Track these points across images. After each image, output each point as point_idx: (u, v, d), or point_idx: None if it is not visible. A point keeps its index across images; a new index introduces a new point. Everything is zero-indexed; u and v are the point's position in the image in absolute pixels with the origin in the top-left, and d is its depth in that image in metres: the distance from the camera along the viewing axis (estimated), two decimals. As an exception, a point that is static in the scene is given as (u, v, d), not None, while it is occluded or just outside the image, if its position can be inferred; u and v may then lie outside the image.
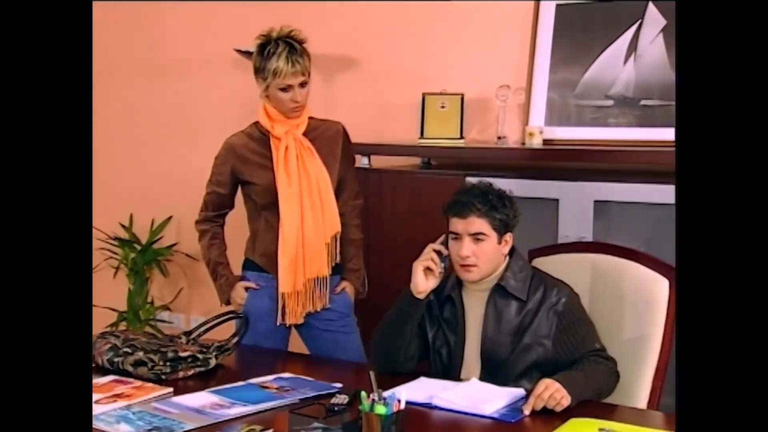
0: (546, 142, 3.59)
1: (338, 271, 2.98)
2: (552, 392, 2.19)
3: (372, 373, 1.98)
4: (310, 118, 2.97)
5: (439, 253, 2.47)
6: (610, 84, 3.57)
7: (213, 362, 2.52)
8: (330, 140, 2.97)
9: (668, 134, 3.40)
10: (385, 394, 1.94)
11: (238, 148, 2.95)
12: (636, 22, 3.53)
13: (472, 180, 2.52)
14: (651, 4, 3.51)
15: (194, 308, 4.75)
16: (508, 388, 2.33)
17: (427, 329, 2.53)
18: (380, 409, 1.90)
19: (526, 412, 2.18)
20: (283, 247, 2.87)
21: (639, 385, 2.50)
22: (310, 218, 2.87)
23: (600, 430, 2.07)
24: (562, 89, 3.67)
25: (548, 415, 2.18)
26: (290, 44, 2.86)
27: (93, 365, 2.50)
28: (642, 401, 2.48)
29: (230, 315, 2.76)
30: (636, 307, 2.55)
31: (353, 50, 4.22)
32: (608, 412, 2.24)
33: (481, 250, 2.41)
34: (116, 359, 2.47)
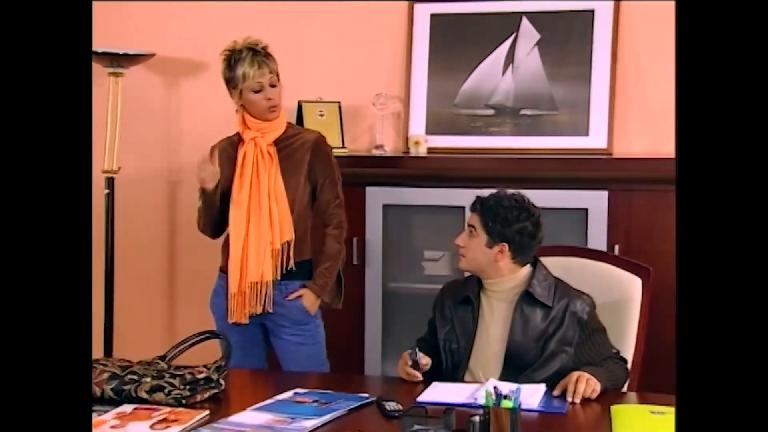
0: (429, 150, 3.91)
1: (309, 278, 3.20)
2: (586, 380, 2.51)
3: (480, 372, 2.20)
4: (289, 127, 3.21)
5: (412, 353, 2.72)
6: (489, 94, 3.96)
7: (223, 383, 2.56)
8: (296, 151, 3.18)
9: (554, 143, 3.89)
10: (506, 390, 2.17)
11: (219, 153, 3.14)
12: (511, 35, 3.94)
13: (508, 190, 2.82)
14: (524, 19, 3.95)
15: None
16: (530, 384, 2.61)
17: (437, 328, 2.78)
18: (507, 404, 2.12)
19: (569, 398, 2.49)
20: (231, 250, 3.15)
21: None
22: (255, 224, 3.12)
23: (651, 412, 2.39)
24: (441, 98, 3.99)
25: (584, 405, 2.49)
26: (253, 50, 3.09)
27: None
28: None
29: (205, 335, 2.78)
30: (612, 307, 2.90)
31: (203, 53, 4.22)
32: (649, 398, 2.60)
33: (470, 243, 2.77)
34: (125, 387, 2.43)
